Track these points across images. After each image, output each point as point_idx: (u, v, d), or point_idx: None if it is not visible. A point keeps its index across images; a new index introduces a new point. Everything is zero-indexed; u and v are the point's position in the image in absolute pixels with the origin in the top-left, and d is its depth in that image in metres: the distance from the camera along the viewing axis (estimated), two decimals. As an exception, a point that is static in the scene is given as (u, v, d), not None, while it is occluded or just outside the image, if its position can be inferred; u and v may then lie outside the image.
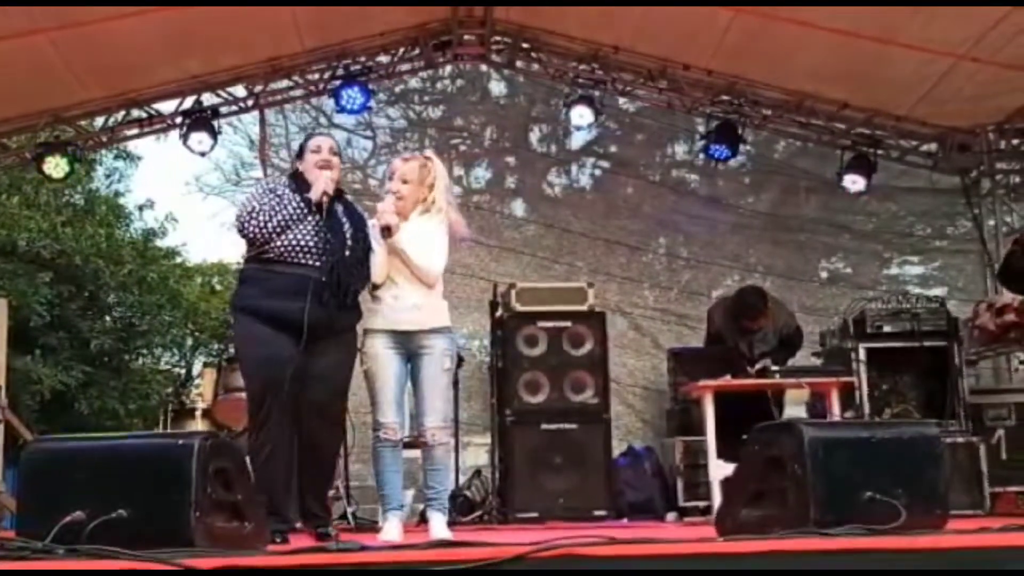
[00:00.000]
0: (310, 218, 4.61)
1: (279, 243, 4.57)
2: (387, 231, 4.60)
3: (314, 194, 4.63)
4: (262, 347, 4.59)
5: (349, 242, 4.67)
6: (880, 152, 8.87)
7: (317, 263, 4.56)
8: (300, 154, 4.90)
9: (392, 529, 4.59)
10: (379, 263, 4.68)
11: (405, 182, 4.76)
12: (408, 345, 4.65)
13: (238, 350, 5.10)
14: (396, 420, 4.63)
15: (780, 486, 3.38)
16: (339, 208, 4.75)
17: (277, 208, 4.58)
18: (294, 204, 4.61)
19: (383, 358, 4.63)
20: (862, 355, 7.27)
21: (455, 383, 6.11)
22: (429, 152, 5.03)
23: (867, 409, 7.16)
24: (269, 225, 4.55)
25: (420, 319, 4.66)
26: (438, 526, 4.62)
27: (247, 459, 4.67)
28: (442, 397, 4.72)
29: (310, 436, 4.67)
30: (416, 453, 5.48)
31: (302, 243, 4.57)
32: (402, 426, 4.70)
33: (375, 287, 4.72)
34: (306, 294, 4.47)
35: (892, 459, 3.37)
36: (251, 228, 4.57)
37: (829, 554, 2.71)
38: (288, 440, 4.64)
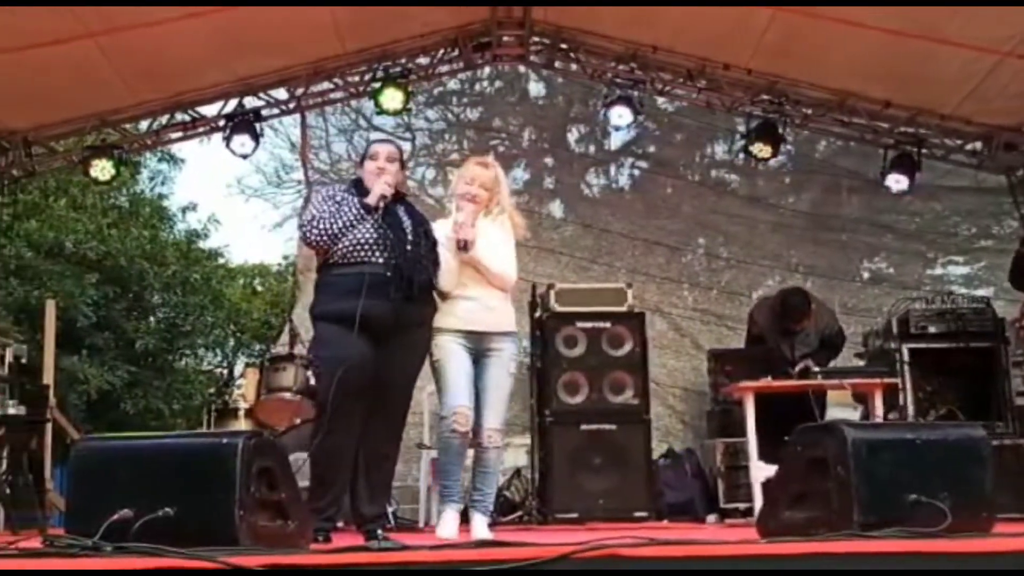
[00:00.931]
0: (369, 218, 4.66)
1: (341, 245, 4.64)
2: (465, 245, 4.62)
3: (371, 198, 4.69)
4: (329, 348, 4.67)
5: (411, 237, 4.71)
6: (924, 151, 8.76)
7: (380, 259, 4.61)
8: (362, 160, 4.97)
9: (450, 522, 4.59)
10: (449, 273, 4.70)
11: (487, 189, 4.80)
12: (478, 346, 4.68)
13: (313, 355, 5.24)
14: (467, 404, 4.61)
15: (823, 488, 3.34)
16: (400, 208, 4.81)
17: (337, 214, 4.67)
18: (354, 208, 4.67)
19: (453, 351, 4.66)
20: (906, 356, 7.20)
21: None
22: (490, 158, 5.08)
23: (911, 411, 7.09)
24: (331, 230, 4.63)
25: (494, 321, 4.71)
26: (479, 527, 4.62)
27: (308, 459, 4.74)
28: (504, 401, 4.74)
29: (375, 443, 4.68)
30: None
31: (362, 241, 4.62)
32: (471, 418, 4.65)
33: (444, 294, 4.73)
34: (370, 291, 4.50)
35: (937, 461, 3.32)
36: (313, 234, 4.67)
37: (873, 557, 2.69)
38: (353, 443, 4.66)
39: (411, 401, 4.93)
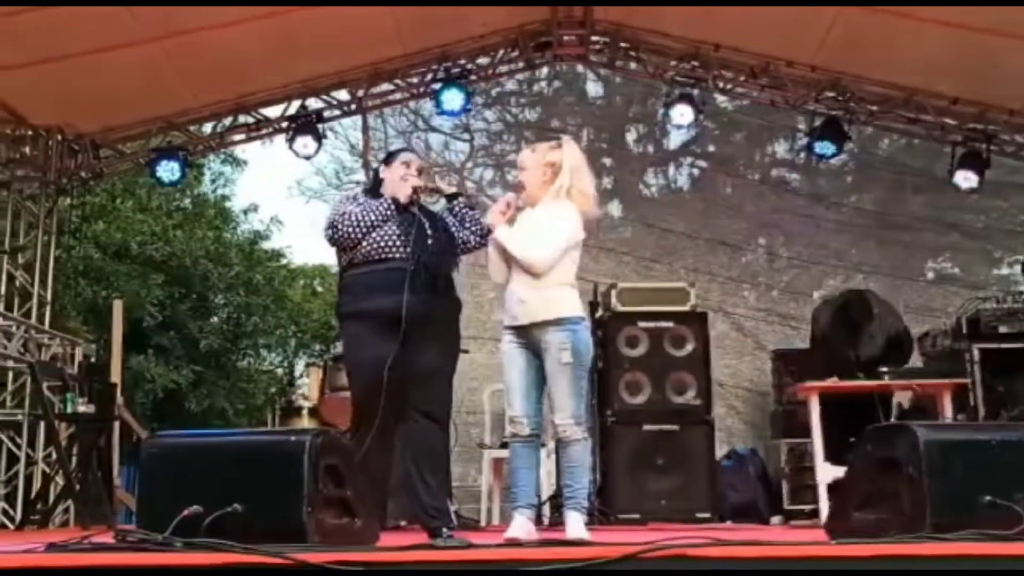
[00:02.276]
0: (395, 217, 4.70)
1: (366, 244, 4.67)
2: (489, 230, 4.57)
3: (402, 195, 4.74)
4: (360, 350, 4.67)
5: (430, 231, 4.74)
6: (993, 147, 8.58)
7: (404, 255, 4.63)
8: (388, 162, 4.99)
9: (517, 528, 4.35)
10: (491, 262, 4.63)
11: (523, 170, 4.71)
12: (529, 340, 4.50)
13: (343, 355, 5.25)
14: (523, 414, 4.49)
15: (894, 489, 3.29)
16: (415, 209, 4.81)
17: (366, 210, 4.71)
18: (383, 206, 4.72)
19: (508, 353, 4.55)
20: (976, 356, 7.05)
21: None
22: (565, 138, 4.83)
23: (982, 412, 6.95)
24: (363, 222, 4.66)
25: (528, 312, 4.48)
26: (575, 526, 4.39)
27: None
28: (566, 392, 4.45)
29: (420, 435, 4.68)
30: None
31: (387, 239, 4.66)
32: (532, 420, 4.51)
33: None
34: (397, 286, 4.51)
35: (1012, 462, 3.26)
36: (343, 228, 4.67)
37: (946, 559, 2.65)
38: (387, 442, 4.65)
39: (451, 390, 4.87)
